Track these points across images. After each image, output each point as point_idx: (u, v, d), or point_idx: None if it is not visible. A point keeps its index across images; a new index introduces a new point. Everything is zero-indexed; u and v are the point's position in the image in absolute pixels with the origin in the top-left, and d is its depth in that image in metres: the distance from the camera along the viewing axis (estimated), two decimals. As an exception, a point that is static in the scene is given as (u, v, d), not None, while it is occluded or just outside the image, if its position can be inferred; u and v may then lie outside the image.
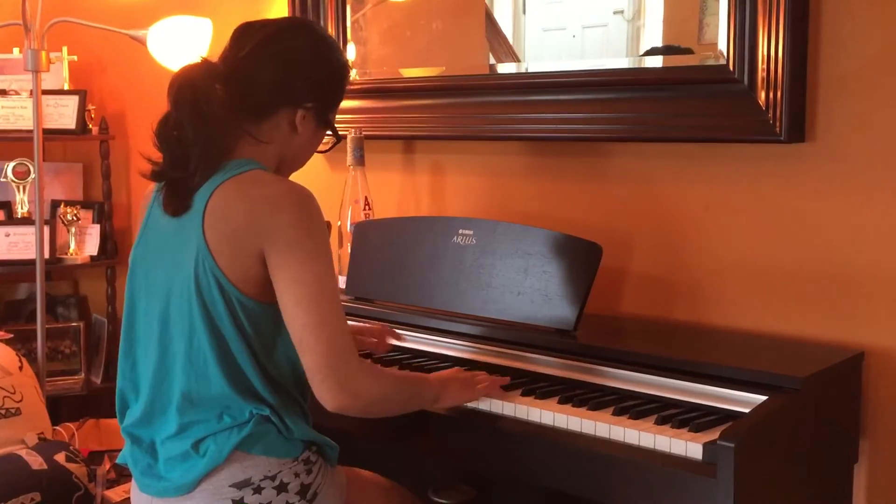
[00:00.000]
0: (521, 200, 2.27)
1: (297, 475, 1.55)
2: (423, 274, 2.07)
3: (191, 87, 1.53)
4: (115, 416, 1.67)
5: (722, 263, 1.97)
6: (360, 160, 2.30)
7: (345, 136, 2.31)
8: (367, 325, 2.02)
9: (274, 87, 1.59)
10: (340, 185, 2.35)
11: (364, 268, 2.19)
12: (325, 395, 1.49)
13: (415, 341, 2.03)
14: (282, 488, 1.53)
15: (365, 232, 2.22)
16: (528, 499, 2.09)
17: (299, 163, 1.71)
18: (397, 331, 2.03)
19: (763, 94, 1.82)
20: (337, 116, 2.45)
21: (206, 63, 1.59)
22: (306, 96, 1.61)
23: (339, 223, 2.35)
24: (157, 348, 1.56)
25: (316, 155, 1.58)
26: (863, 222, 1.79)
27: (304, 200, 1.53)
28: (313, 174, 2.60)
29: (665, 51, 2.04)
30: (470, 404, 1.72)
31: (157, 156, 1.57)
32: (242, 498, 1.51)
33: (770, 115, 1.81)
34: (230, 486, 1.51)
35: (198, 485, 1.52)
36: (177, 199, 1.54)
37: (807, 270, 1.86)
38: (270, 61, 1.59)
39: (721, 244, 1.97)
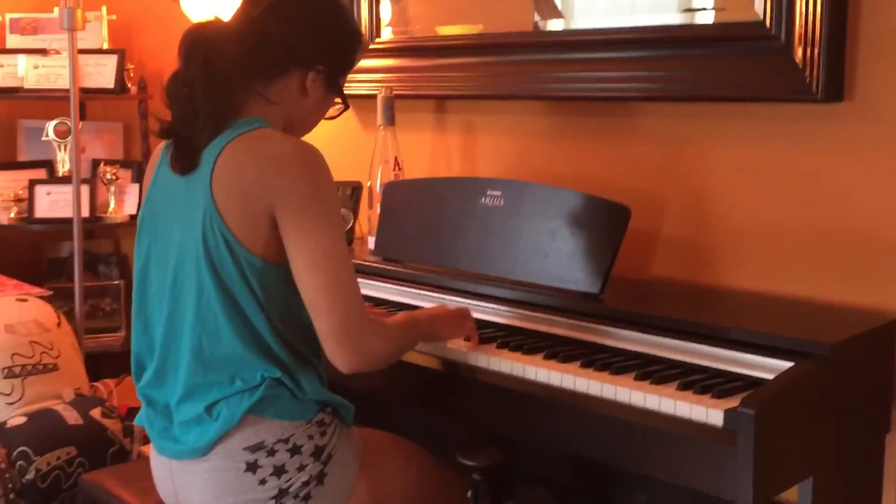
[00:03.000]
0: (553, 161, 2.24)
1: (310, 437, 1.57)
2: (450, 235, 2.06)
3: (203, 45, 1.54)
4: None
5: (754, 226, 1.93)
6: (390, 120, 2.30)
7: (373, 97, 2.32)
8: None
9: (286, 47, 1.60)
10: (371, 145, 2.35)
11: (393, 229, 2.19)
12: (340, 358, 1.51)
13: (440, 302, 2.00)
14: (295, 451, 1.55)
15: (394, 192, 2.21)
16: (554, 461, 2.09)
17: (306, 127, 1.71)
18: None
19: (800, 52, 1.77)
20: (366, 76, 2.51)
21: (218, 21, 1.60)
22: (318, 59, 1.62)
23: (368, 183, 2.35)
24: (167, 308, 1.58)
25: (348, 114, 1.58)
26: (902, 185, 1.74)
27: (314, 160, 1.53)
28: (344, 133, 2.64)
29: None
30: (491, 366, 1.73)
31: (169, 114, 1.59)
32: (256, 461, 1.54)
33: (807, 73, 1.76)
34: (244, 449, 1.54)
35: (212, 448, 1.54)
36: (185, 156, 1.55)
37: (842, 234, 1.82)
38: (284, 22, 1.60)
39: (754, 206, 1.93)
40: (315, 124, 1.73)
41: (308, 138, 1.61)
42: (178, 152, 1.57)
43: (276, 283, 1.54)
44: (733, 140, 1.95)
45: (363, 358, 1.51)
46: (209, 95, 1.53)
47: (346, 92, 1.72)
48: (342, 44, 1.67)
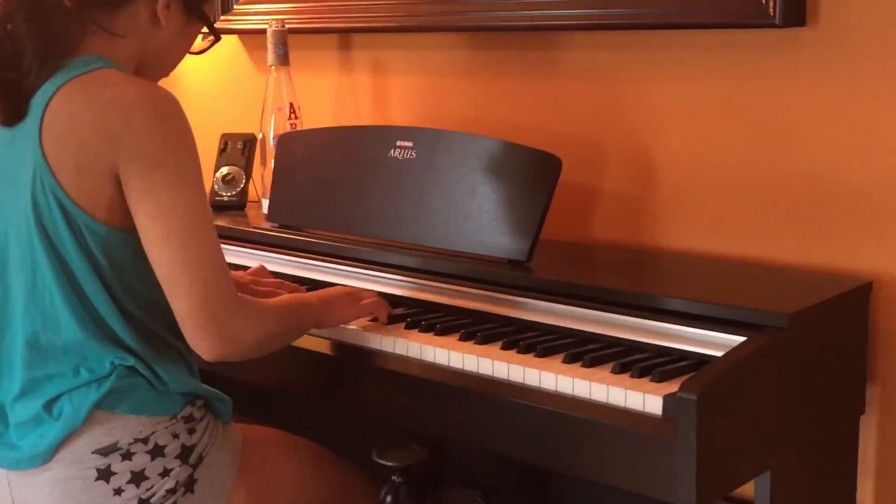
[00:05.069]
0: (475, 104, 2.17)
1: (175, 436, 1.49)
2: (354, 196, 2.00)
3: None
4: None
5: (704, 176, 1.88)
6: (282, 58, 2.20)
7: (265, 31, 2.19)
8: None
9: None
10: (263, 90, 2.25)
11: (289, 189, 2.11)
12: (201, 343, 1.45)
13: (344, 276, 1.94)
14: (157, 452, 1.47)
15: (289, 146, 2.13)
16: (489, 459, 2.02)
17: (166, 64, 1.62)
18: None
19: (754, -32, 1.71)
20: (259, 7, 2.38)
21: None
22: None
23: (260, 135, 2.26)
24: None
25: (239, 52, 1.51)
26: (874, 123, 1.67)
27: (166, 107, 1.44)
28: (235, 76, 2.56)
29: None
30: (397, 350, 1.66)
31: None
32: (109, 466, 1.45)
33: (763, -8, 1.70)
34: (93, 452, 1.45)
35: (55, 453, 1.45)
36: (10, 103, 1.46)
37: (807, 183, 1.76)
38: None
39: (703, 152, 1.87)
40: (178, 60, 1.64)
41: (192, 81, 1.49)
42: (2, 99, 1.47)
43: (125, 253, 1.46)
44: (679, 75, 1.89)
45: (230, 345, 1.45)
46: (34, 30, 1.44)
47: (233, 27, 1.59)
48: None
